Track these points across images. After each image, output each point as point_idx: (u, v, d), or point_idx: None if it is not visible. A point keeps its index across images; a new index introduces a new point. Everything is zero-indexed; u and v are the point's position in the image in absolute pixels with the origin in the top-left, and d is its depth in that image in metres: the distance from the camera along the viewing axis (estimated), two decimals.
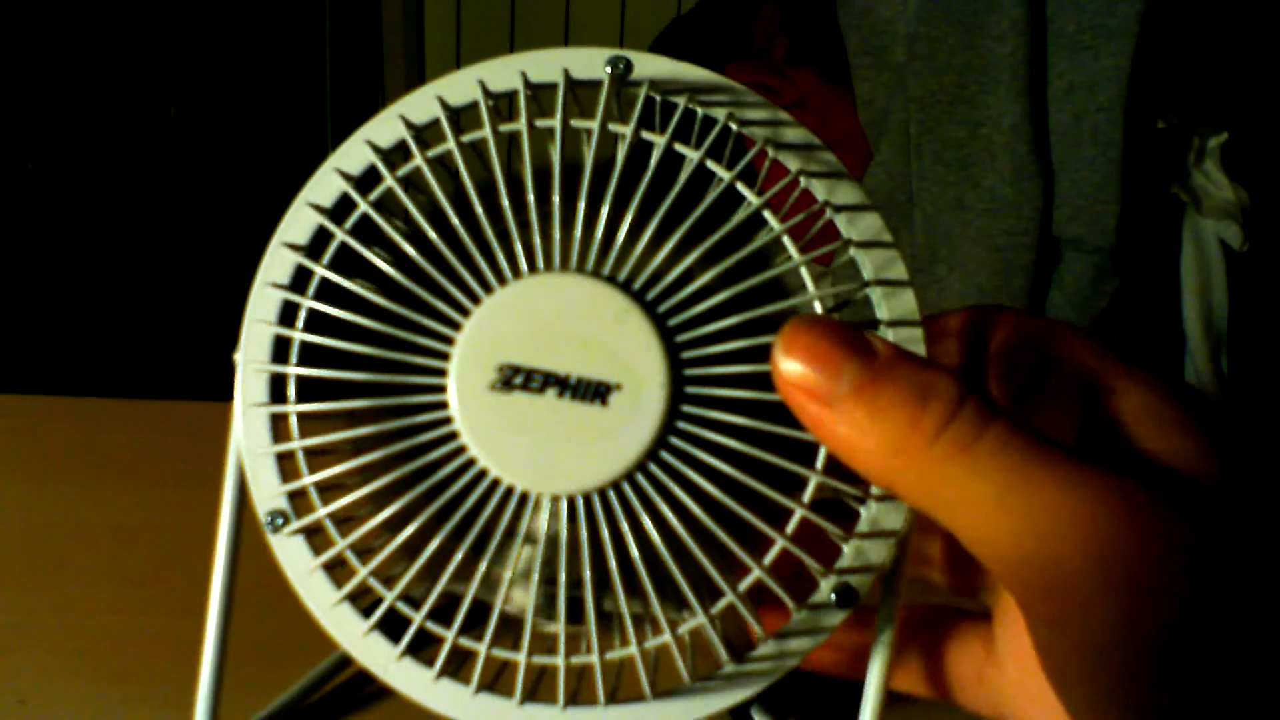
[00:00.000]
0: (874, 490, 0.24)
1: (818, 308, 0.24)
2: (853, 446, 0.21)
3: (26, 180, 1.20)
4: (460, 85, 0.25)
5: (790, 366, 0.21)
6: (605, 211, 0.23)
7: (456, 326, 0.23)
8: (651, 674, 0.24)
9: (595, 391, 0.23)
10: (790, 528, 0.24)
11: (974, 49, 0.80)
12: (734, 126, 0.24)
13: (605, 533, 0.23)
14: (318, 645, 0.26)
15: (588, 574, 0.23)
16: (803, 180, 0.25)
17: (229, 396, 0.25)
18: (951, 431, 0.20)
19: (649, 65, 0.25)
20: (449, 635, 0.24)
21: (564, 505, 0.23)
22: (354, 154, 0.25)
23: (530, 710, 0.24)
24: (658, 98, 0.24)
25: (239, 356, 0.25)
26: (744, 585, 0.24)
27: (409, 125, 0.25)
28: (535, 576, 0.23)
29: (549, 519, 0.23)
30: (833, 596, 0.24)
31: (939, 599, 0.29)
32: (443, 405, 0.23)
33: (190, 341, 0.70)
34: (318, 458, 0.24)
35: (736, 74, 0.95)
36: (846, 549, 0.25)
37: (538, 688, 0.24)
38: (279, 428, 0.25)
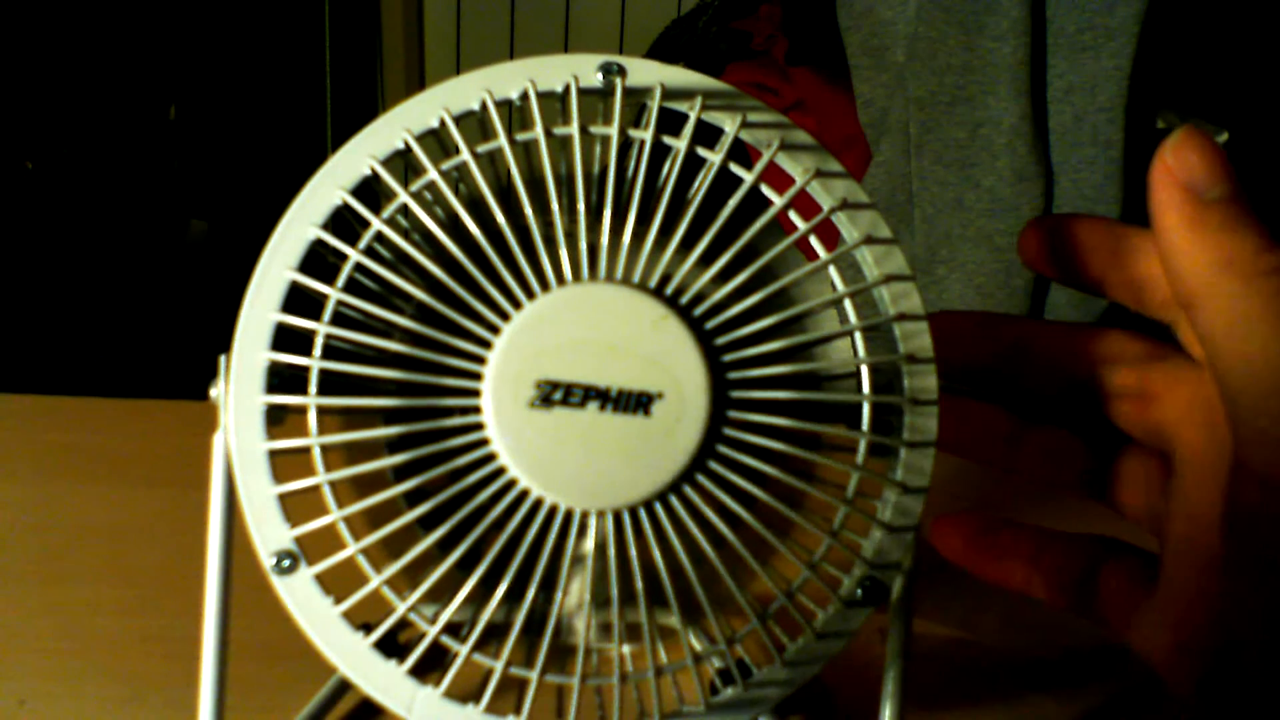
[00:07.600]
0: (900, 477, 0.24)
1: (849, 308, 0.24)
2: (1190, 249, 0.23)
3: (26, 180, 1.20)
4: (465, 93, 0.24)
5: (1184, 159, 0.23)
6: (631, 219, 0.23)
7: (488, 345, 0.23)
8: (706, 685, 0.24)
9: (638, 402, 0.22)
10: (837, 524, 0.24)
11: (974, 49, 0.80)
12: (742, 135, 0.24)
13: (655, 546, 0.23)
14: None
15: (641, 589, 0.23)
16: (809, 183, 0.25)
17: None
18: None
19: (644, 71, 0.24)
20: (498, 665, 0.23)
21: (610, 520, 0.22)
22: (350, 170, 0.24)
23: None
24: (653, 103, 0.24)
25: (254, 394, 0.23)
26: (796, 585, 0.24)
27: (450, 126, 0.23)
28: (587, 597, 0.23)
29: (598, 535, 0.22)
30: (859, 592, 0.24)
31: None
32: (479, 426, 0.23)
33: (190, 341, 0.70)
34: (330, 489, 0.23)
35: (736, 74, 0.95)
36: (866, 545, 0.25)
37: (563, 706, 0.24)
38: (279, 464, 0.24)
